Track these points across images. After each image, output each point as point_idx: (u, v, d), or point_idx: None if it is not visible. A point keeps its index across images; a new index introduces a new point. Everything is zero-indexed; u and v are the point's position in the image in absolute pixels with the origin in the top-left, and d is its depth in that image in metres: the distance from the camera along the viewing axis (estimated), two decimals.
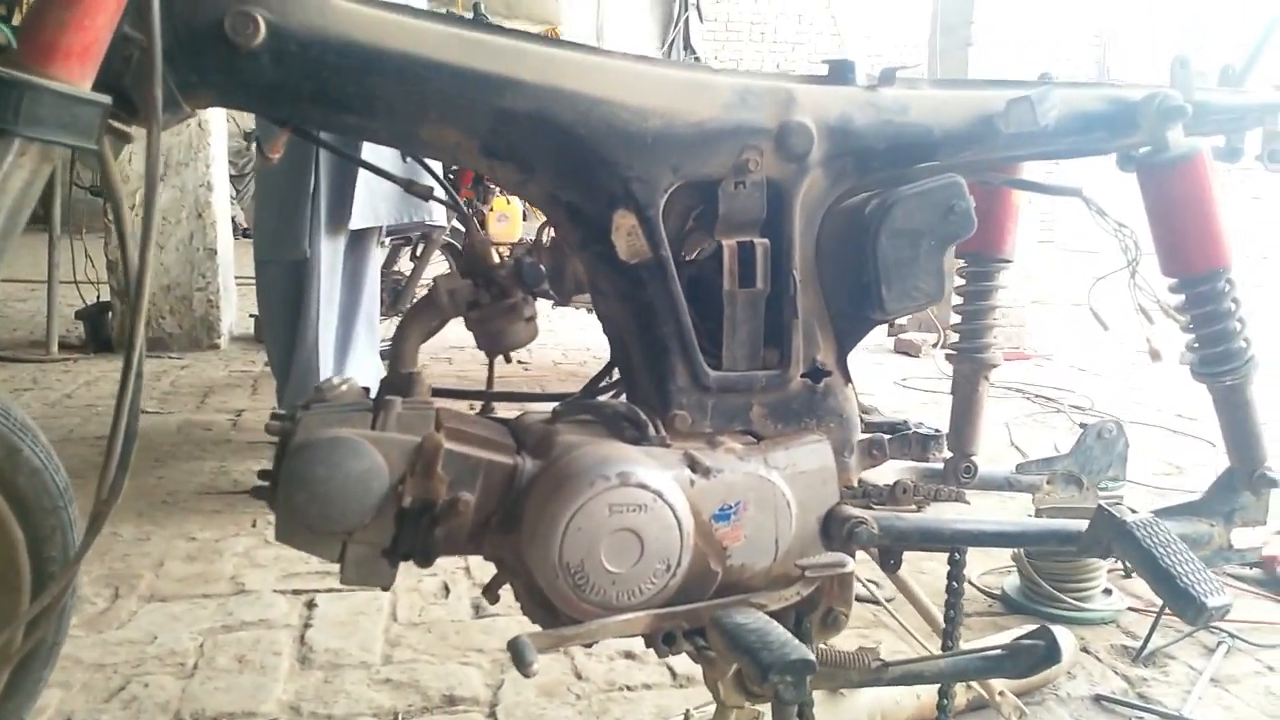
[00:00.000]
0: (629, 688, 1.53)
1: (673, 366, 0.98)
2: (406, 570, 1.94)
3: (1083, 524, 1.05)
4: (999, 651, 0.99)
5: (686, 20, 10.38)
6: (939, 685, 1.41)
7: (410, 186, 0.98)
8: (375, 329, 2.55)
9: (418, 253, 3.74)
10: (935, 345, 4.64)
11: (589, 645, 0.95)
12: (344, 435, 0.86)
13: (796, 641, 0.80)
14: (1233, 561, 1.17)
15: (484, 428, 0.96)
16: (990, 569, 2.06)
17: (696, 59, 10.41)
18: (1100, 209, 1.13)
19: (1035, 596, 1.89)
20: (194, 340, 4.13)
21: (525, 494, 0.91)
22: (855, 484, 1.06)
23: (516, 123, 0.92)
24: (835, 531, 0.99)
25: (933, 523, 1.05)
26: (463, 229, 4.84)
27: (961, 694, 1.46)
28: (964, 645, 1.20)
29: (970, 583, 2.05)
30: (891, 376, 4.11)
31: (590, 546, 0.88)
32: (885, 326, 4.88)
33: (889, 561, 1.05)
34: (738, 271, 0.99)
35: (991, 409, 3.80)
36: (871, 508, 1.03)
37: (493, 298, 0.96)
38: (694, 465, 0.95)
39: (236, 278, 4.44)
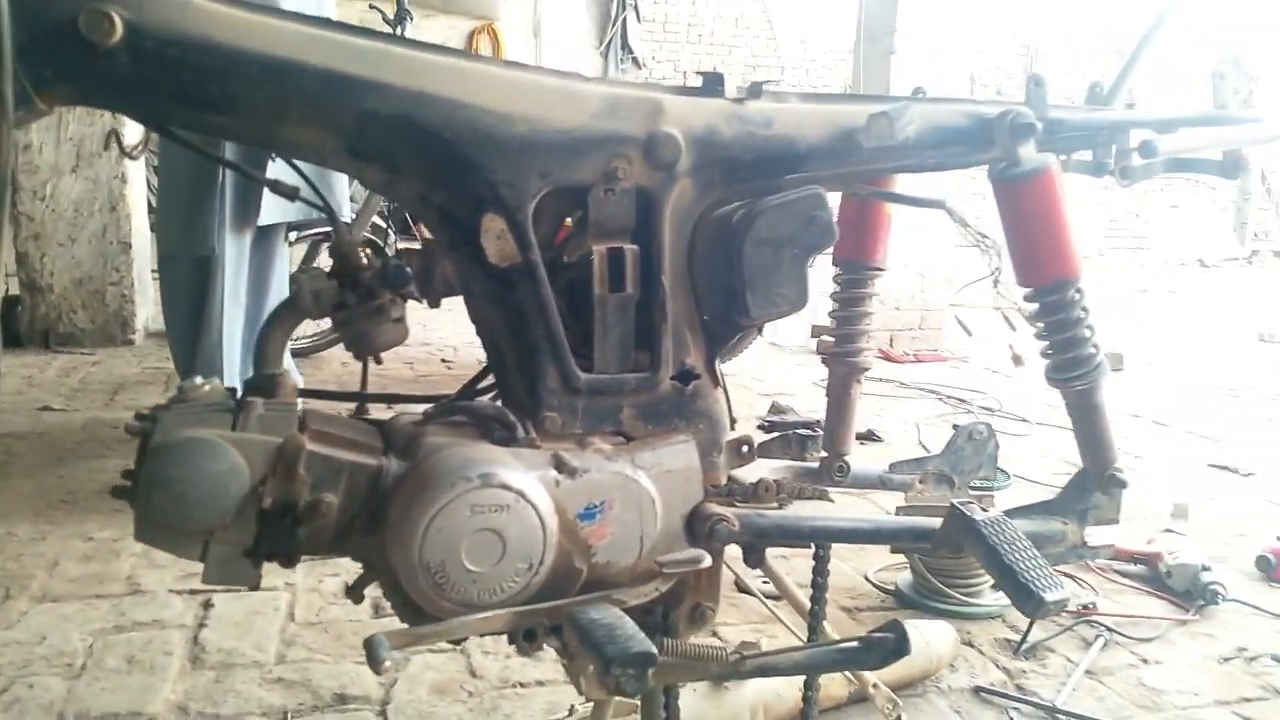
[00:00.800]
0: (522, 684, 1.55)
1: (543, 369, 1.00)
2: (308, 570, 1.93)
3: (937, 522, 1.10)
4: (854, 644, 1.02)
5: (624, 20, 10.40)
6: (821, 677, 1.46)
7: (275, 186, 0.98)
8: None
9: None
10: None
11: (457, 643, 0.97)
12: (202, 436, 0.86)
13: (642, 636, 0.83)
14: (1085, 558, 1.23)
15: (351, 429, 0.96)
16: (886, 565, 2.12)
17: (634, 59, 10.44)
18: (963, 220, 1.18)
19: (926, 592, 1.95)
20: (107, 336, 4.03)
21: (390, 495, 0.92)
22: (724, 482, 1.09)
23: (381, 125, 0.93)
24: (698, 528, 1.02)
25: (793, 520, 1.08)
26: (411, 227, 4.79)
27: (844, 687, 1.51)
28: (834, 638, 1.24)
29: (866, 579, 2.11)
30: (811, 377, 4.17)
31: (450, 546, 0.89)
32: (809, 329, 4.96)
33: (751, 557, 1.08)
34: (608, 277, 1.01)
35: (905, 409, 3.89)
36: (735, 505, 1.06)
37: (359, 299, 0.96)
38: (560, 465, 0.97)
39: (153, 271, 4.34)
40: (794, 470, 1.29)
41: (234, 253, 2.17)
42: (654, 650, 0.81)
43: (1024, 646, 1.76)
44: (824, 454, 1.34)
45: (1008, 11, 11.47)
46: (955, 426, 1.40)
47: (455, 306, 1.10)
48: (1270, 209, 12.67)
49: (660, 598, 1.04)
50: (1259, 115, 1.20)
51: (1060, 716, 1.56)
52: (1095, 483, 1.17)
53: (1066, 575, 2.12)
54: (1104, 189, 12.26)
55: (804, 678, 1.47)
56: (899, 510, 1.19)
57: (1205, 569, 2.03)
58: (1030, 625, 1.79)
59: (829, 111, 1.08)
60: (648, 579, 0.99)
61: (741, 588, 1.98)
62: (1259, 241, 12.54)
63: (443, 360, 4.10)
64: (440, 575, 0.90)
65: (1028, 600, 0.98)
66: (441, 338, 4.62)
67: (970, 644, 1.79)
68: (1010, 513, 1.19)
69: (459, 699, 1.50)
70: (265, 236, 2.33)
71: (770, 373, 4.23)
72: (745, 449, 1.11)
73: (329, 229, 3.46)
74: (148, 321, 4.25)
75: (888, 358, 4.69)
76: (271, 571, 1.95)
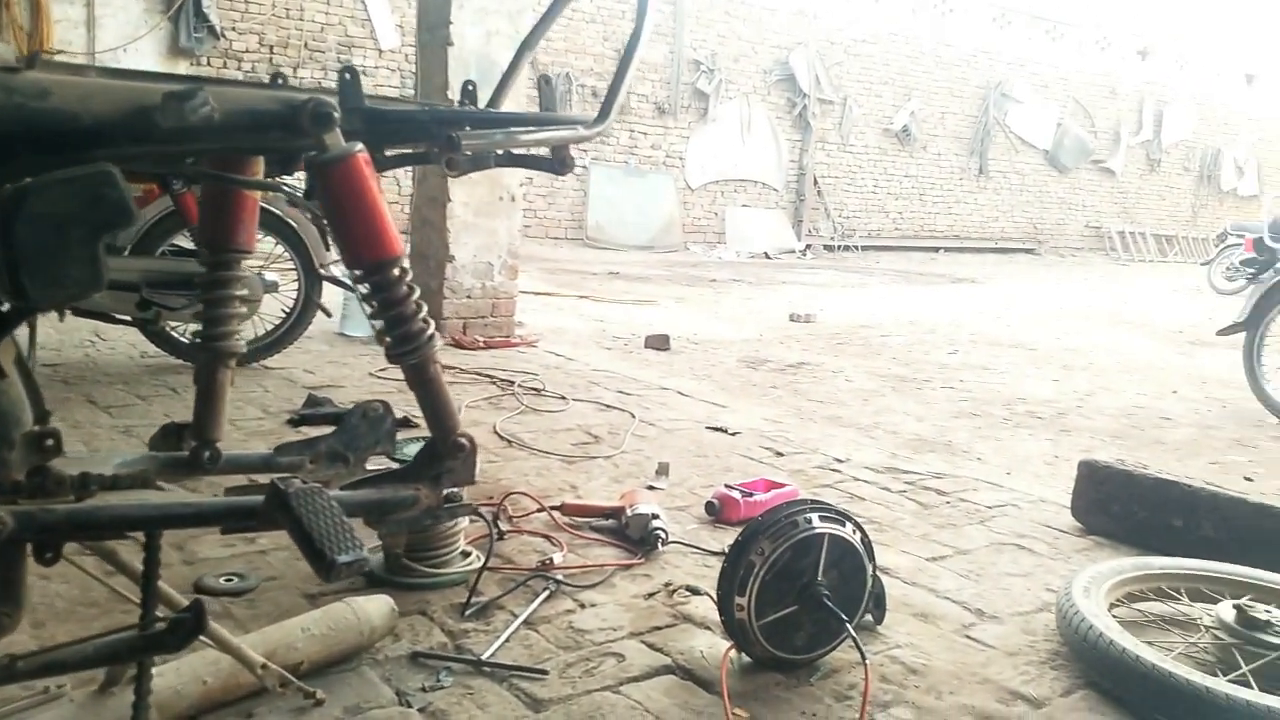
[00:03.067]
0: None
1: None
2: None
3: (260, 499, 1.12)
4: (158, 630, 1.01)
5: None
6: (225, 664, 1.44)
7: None
8: None
9: None
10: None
11: None
12: None
13: None
14: (442, 518, 1.33)
15: None
16: (371, 547, 2.15)
17: (210, 28, 9.64)
18: (300, 201, 1.21)
19: (395, 568, 2.01)
20: None
21: None
22: (18, 480, 1.02)
23: None
24: None
25: (89, 510, 1.04)
26: None
27: (239, 675, 1.47)
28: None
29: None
30: (370, 368, 4.11)
31: None
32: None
33: (45, 555, 1.03)
34: None
35: (458, 393, 3.94)
36: (18, 503, 1.00)
37: None
38: None
39: None
40: (157, 460, 1.25)
41: None
42: None
43: (470, 610, 1.87)
44: (194, 442, 1.32)
45: (596, 11, 12.17)
46: (354, 405, 1.44)
47: None
48: (820, 209, 14.78)
49: None
50: (581, 118, 1.35)
51: (486, 668, 1.68)
52: (443, 449, 1.26)
53: (542, 537, 2.30)
54: (689, 189, 13.52)
55: (208, 673, 1.45)
56: (227, 492, 1.20)
57: (655, 517, 2.29)
58: (473, 587, 1.90)
59: (123, 88, 1.06)
60: None
61: (199, 588, 1.91)
62: (811, 237, 14.58)
63: None
64: None
65: (320, 563, 1.03)
66: None
67: (424, 612, 1.87)
68: (361, 483, 1.25)
69: None
70: None
71: (325, 365, 4.12)
72: (50, 442, 1.05)
73: None
74: None
75: (459, 345, 4.79)
76: None
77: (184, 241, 3.64)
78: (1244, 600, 1.93)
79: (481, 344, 4.85)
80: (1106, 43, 18.73)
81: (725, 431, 3.48)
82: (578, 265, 9.96)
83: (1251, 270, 10.84)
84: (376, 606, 1.69)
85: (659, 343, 5.33)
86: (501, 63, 4.83)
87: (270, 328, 3.98)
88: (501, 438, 3.16)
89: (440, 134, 1.23)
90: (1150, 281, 14.18)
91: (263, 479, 1.55)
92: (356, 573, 1.06)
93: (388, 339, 1.22)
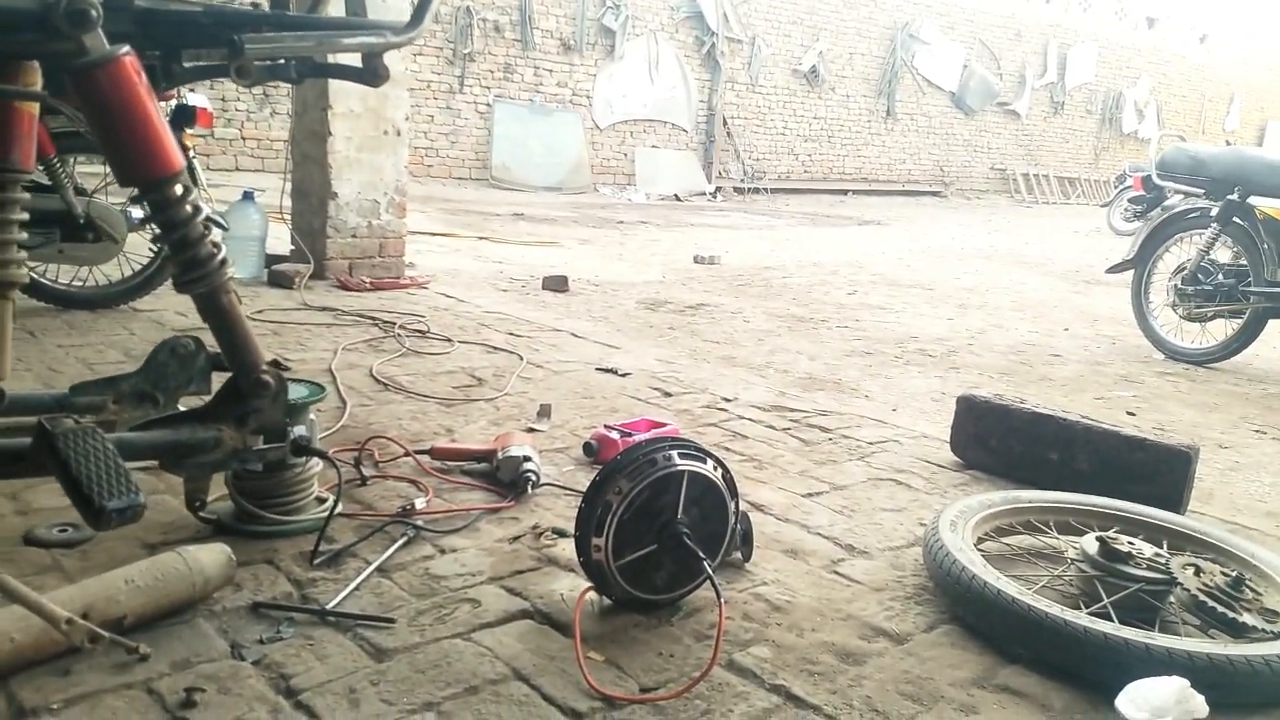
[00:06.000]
0: None
1: None
2: None
3: (28, 441, 1.01)
4: None
5: None
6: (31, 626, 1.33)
7: None
8: None
9: None
10: (309, 277, 4.59)
11: None
12: None
13: None
14: (252, 461, 1.24)
15: None
16: (218, 496, 2.03)
17: None
18: (74, 114, 1.08)
19: (245, 517, 1.90)
20: None
21: None
22: None
23: None
24: None
25: None
26: None
27: (52, 631, 1.37)
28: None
29: (192, 511, 2.01)
30: (248, 309, 3.93)
31: None
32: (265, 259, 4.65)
33: None
34: None
35: (335, 336, 3.77)
36: None
37: None
38: None
39: None
40: None
41: None
42: None
43: (319, 558, 1.78)
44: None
45: None
46: (154, 346, 1.32)
47: None
48: (730, 151, 14.72)
49: None
50: (390, 23, 1.24)
51: (331, 618, 1.60)
52: (246, 387, 1.16)
53: (408, 482, 2.21)
54: (597, 128, 13.27)
55: (17, 629, 1.34)
56: None
57: (527, 459, 2.23)
58: (320, 535, 1.81)
59: None
60: None
61: (30, 539, 1.78)
62: (721, 179, 14.53)
63: None
64: None
65: (88, 510, 0.94)
66: None
67: (271, 561, 1.77)
68: (154, 423, 1.14)
69: None
70: None
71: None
72: None
73: None
74: None
75: (344, 286, 4.61)
76: None
77: (42, 177, 3.39)
78: (1109, 533, 1.94)
79: (368, 285, 4.68)
80: None
81: (615, 373, 3.42)
82: (481, 206, 9.73)
83: (1140, 208, 11.22)
84: (211, 556, 1.59)
85: (557, 284, 5.23)
86: None
87: (139, 267, 3.77)
88: (378, 381, 3.04)
89: (223, 37, 1.10)
90: (1052, 223, 14.58)
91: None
92: (131, 520, 0.97)
93: (174, 265, 1.11)
